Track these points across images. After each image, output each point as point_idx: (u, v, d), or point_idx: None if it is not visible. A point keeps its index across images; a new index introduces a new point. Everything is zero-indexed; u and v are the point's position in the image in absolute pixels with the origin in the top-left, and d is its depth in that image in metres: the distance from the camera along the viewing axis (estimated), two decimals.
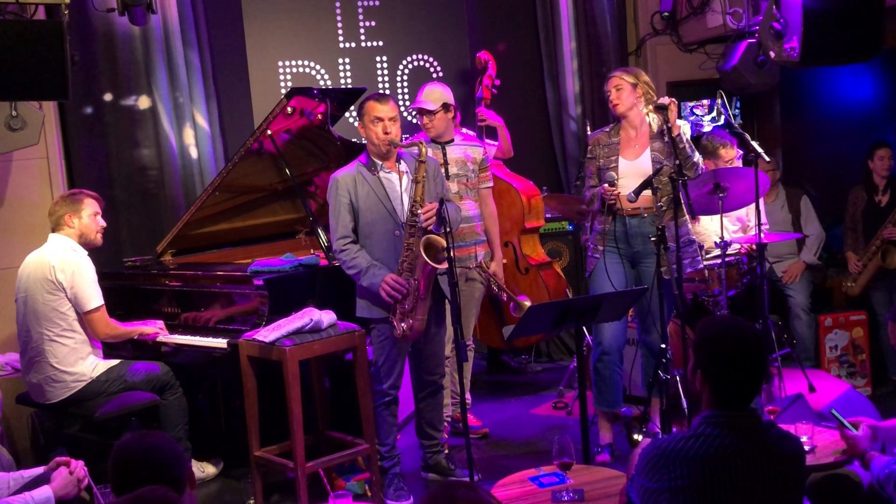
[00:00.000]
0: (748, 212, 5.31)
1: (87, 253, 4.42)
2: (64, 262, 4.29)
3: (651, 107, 4.44)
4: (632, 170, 4.42)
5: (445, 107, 4.79)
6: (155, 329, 4.55)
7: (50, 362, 4.29)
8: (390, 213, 4.18)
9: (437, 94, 4.79)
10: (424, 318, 4.12)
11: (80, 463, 3.27)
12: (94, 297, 4.33)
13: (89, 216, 4.45)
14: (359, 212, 4.18)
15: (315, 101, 4.76)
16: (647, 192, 4.23)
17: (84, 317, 4.34)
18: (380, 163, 4.22)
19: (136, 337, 4.53)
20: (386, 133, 4.14)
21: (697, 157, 4.42)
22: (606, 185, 4.37)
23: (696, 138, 5.99)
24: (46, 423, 4.66)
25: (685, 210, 4.29)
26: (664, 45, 6.67)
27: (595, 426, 4.65)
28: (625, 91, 4.43)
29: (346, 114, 5.84)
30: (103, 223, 4.54)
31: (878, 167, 5.76)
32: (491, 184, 5.05)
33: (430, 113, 4.77)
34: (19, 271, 4.41)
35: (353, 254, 4.15)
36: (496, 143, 5.62)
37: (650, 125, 4.47)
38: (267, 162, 4.91)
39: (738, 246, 5.22)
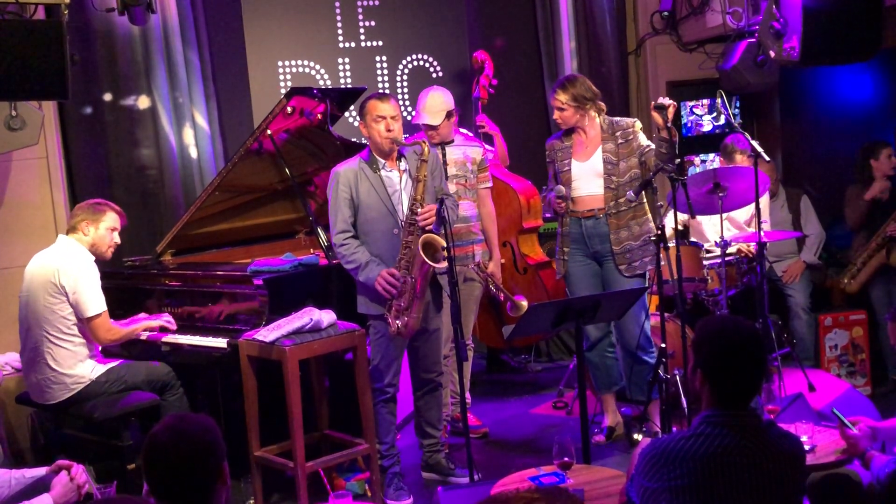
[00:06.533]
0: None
1: (93, 259, 4.40)
2: (69, 266, 4.27)
3: (603, 111, 4.58)
4: (584, 170, 4.57)
5: (448, 115, 4.78)
6: (161, 322, 4.50)
7: (49, 364, 4.28)
8: (390, 212, 4.19)
9: (439, 105, 4.76)
10: (419, 317, 4.13)
11: (81, 468, 3.24)
12: (95, 303, 4.30)
13: (106, 229, 4.43)
14: (359, 208, 4.19)
15: (315, 101, 4.76)
16: (599, 193, 4.49)
17: (85, 323, 4.31)
18: (381, 160, 4.23)
19: (142, 335, 4.50)
20: (388, 131, 4.15)
21: (674, 165, 4.34)
22: (554, 195, 4.53)
23: (721, 136, 6.00)
24: (46, 423, 4.66)
25: (669, 208, 4.35)
26: (664, 44, 6.67)
27: (595, 426, 4.67)
28: (567, 112, 4.55)
29: (346, 113, 5.84)
30: (118, 240, 4.51)
31: (886, 167, 5.75)
32: (490, 184, 5.05)
33: (434, 127, 4.77)
34: (25, 270, 4.40)
35: (352, 248, 4.16)
36: (493, 150, 5.61)
37: (601, 126, 4.57)
38: (266, 162, 4.91)
39: (737, 246, 5.22)
